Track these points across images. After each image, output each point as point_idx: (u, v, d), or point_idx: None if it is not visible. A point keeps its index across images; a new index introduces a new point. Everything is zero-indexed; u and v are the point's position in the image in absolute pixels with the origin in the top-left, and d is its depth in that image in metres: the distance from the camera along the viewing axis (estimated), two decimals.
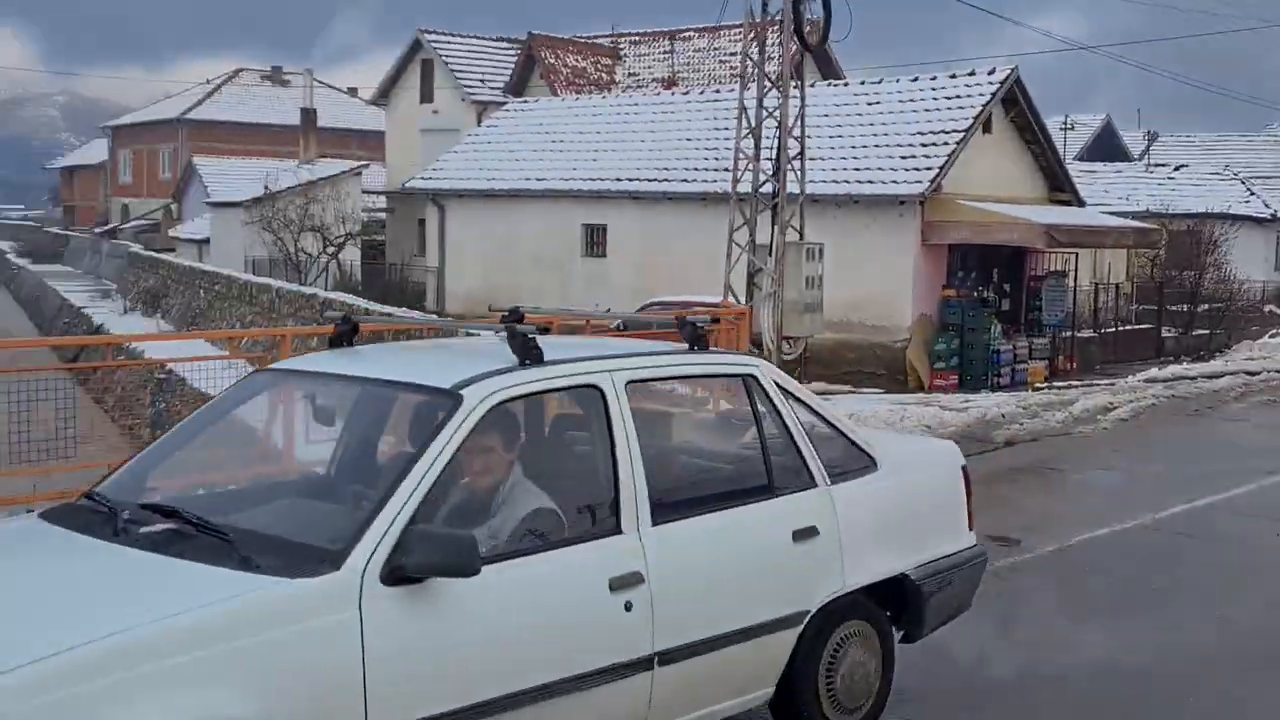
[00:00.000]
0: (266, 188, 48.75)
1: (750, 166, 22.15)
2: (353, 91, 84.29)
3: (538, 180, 34.79)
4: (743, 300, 21.78)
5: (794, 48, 22.19)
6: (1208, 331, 34.04)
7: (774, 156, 21.95)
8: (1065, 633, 9.09)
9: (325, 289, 38.35)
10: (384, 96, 50.73)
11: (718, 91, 35.22)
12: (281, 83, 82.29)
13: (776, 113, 21.84)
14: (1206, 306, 35.11)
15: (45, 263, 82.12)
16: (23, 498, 9.99)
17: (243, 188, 54.60)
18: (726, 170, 29.53)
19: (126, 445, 29.44)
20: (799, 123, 21.83)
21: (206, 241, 55.49)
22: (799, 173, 21.89)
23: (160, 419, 30.44)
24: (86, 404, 31.60)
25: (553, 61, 45.82)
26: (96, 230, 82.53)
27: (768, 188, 22.08)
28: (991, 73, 28.35)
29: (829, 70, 40.26)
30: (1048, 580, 10.72)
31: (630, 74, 46.98)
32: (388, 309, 28.80)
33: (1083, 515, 13.41)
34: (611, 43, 49.51)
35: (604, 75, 46.72)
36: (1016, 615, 9.48)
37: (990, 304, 27.01)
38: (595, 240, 33.40)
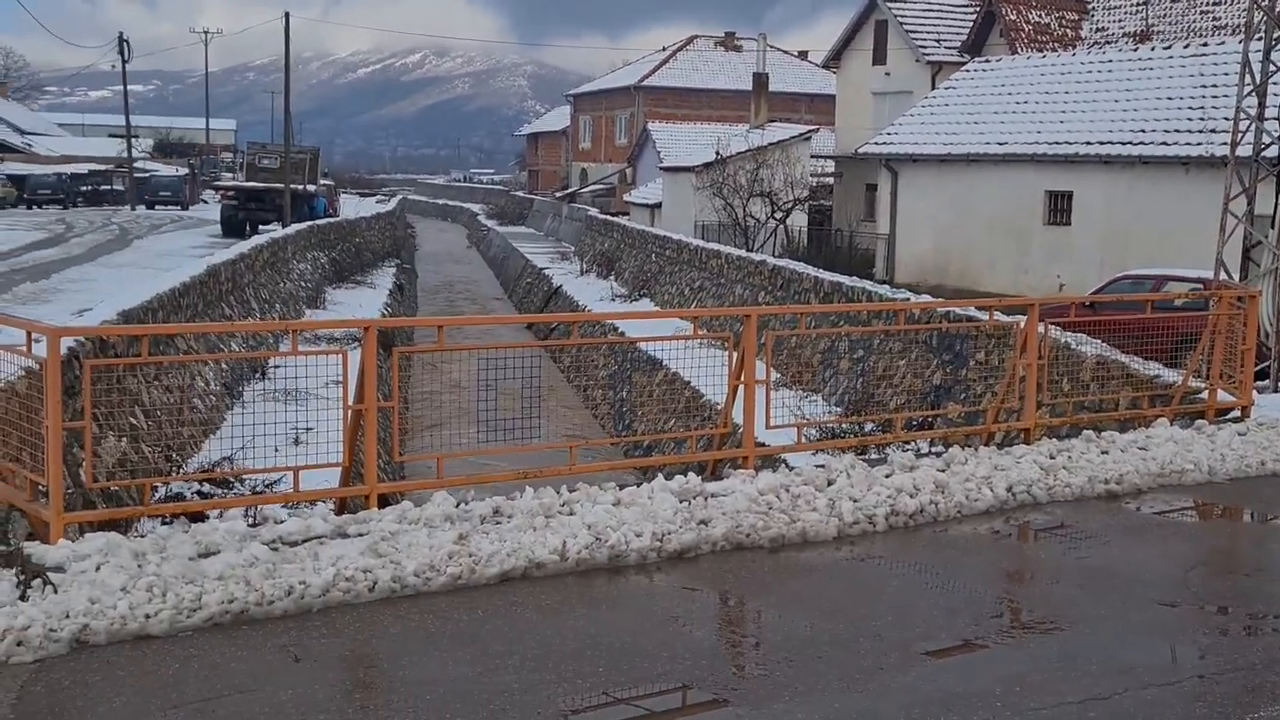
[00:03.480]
0: (718, 153, 48.55)
1: (1252, 127, 19.43)
2: (803, 55, 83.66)
3: (998, 144, 32.80)
4: (1236, 278, 19.18)
5: None
6: None
7: None
8: None
9: (773, 255, 37.54)
10: (835, 59, 49.66)
11: (1204, 44, 32.00)
12: (734, 48, 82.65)
13: None
14: None
15: (511, 225, 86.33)
16: (494, 476, 9.81)
17: (694, 153, 54.81)
18: (1213, 132, 26.76)
19: (580, 403, 30.11)
20: None
21: (658, 206, 56.04)
22: None
23: (613, 381, 30.71)
24: (545, 363, 32.26)
25: (1014, 18, 43.24)
26: (557, 194, 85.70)
27: (1271, 151, 19.35)
28: None
29: None
30: None
31: (1098, 29, 43.74)
32: (837, 277, 27.59)
33: None
34: None
35: (1069, 31, 43.74)
36: None
37: None
38: (1059, 208, 31.11)
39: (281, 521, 8.58)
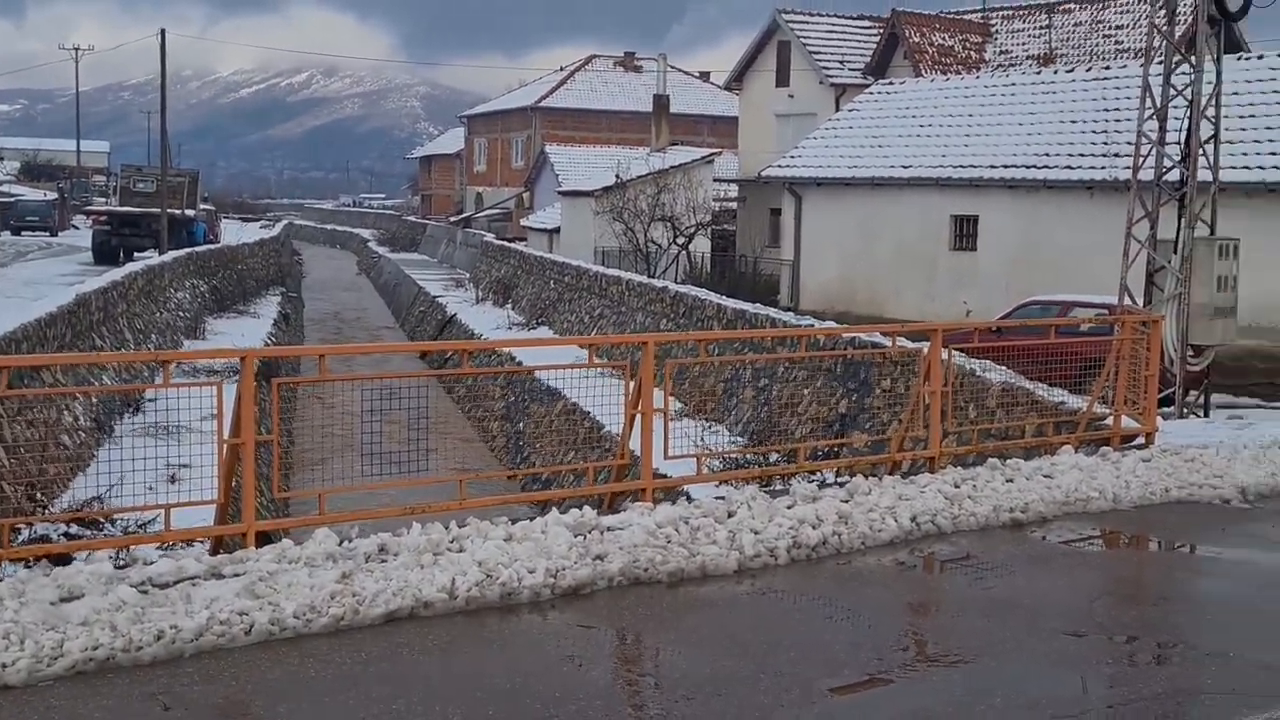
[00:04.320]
0: (618, 176, 48.31)
1: (1153, 151, 19.54)
2: (705, 76, 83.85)
3: (903, 168, 32.87)
4: (1140, 303, 19.27)
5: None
6: None
7: (1182, 140, 19.28)
8: None
9: (675, 281, 37.35)
10: (738, 81, 49.72)
11: (1107, 68, 32.37)
12: (634, 69, 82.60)
13: (1186, 91, 19.16)
14: None
15: (403, 250, 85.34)
16: (380, 512, 9.42)
17: (594, 176, 54.54)
18: (1116, 156, 26.99)
19: (476, 436, 29.66)
20: (1213, 101, 19.11)
21: (557, 231, 55.70)
22: (1210, 158, 19.18)
23: (510, 413, 30.30)
24: (438, 394, 31.65)
25: (917, 40, 43.57)
26: (451, 219, 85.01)
27: (1173, 175, 19.46)
28: None
29: (1230, 43, 36.45)
30: None
31: (1001, 51, 44.24)
32: (741, 305, 27.45)
33: None
34: (982, 18, 46.91)
35: (973, 54, 44.17)
36: None
37: None
38: (964, 232, 31.24)
39: (152, 562, 8.12)
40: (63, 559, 8.29)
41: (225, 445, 8.62)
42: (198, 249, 47.60)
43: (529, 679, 6.95)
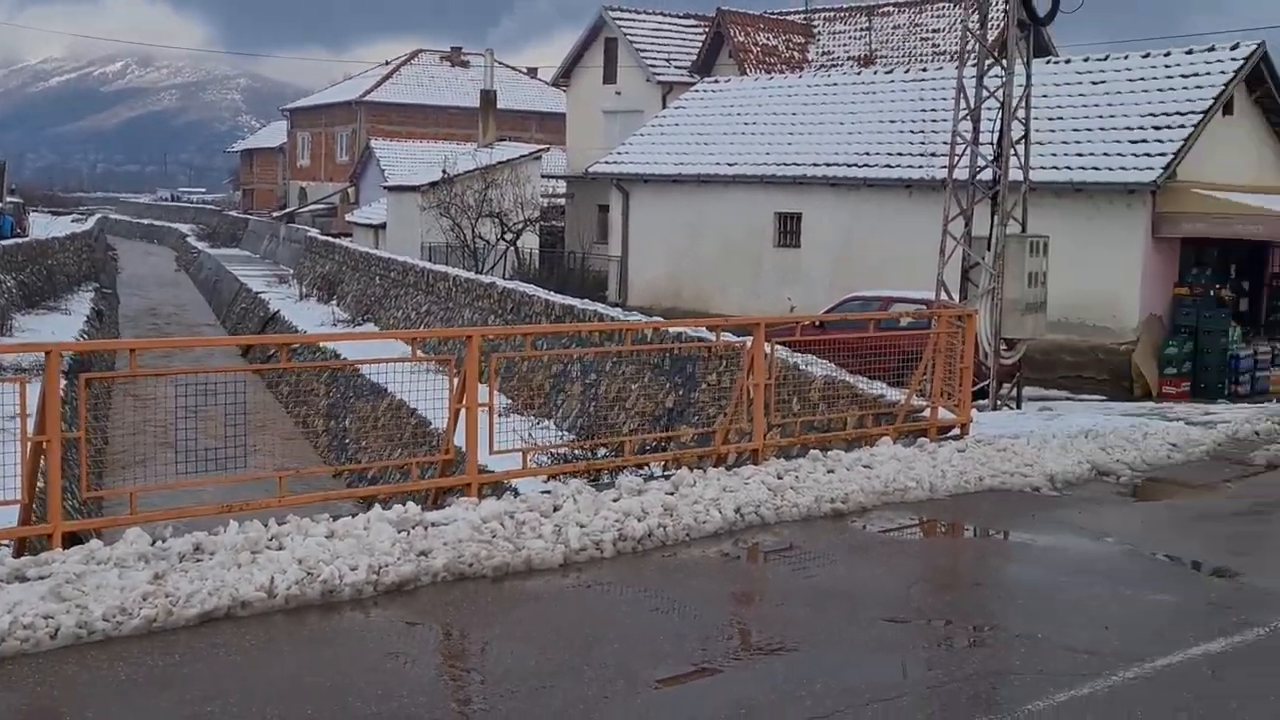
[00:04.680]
0: (444, 171, 47.82)
1: (967, 151, 20.08)
2: (533, 72, 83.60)
3: (728, 165, 33.17)
4: (956, 298, 19.78)
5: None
6: None
7: (995, 140, 19.86)
8: None
9: (503, 277, 37.15)
10: (565, 77, 49.70)
11: (924, 69, 33.14)
12: (461, 64, 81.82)
13: (998, 93, 19.74)
14: None
15: (224, 246, 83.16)
16: (195, 510, 9.12)
17: (420, 171, 53.94)
18: (933, 155, 27.64)
19: (299, 434, 29.06)
20: (1023, 103, 19.72)
21: (383, 226, 54.92)
22: (1021, 158, 19.79)
23: (335, 410, 29.78)
24: (261, 392, 30.99)
25: (742, 39, 44.09)
26: (274, 214, 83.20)
27: (986, 174, 20.02)
28: (1234, 48, 25.78)
29: (1039, 47, 37.69)
30: None
31: (824, 52, 45.04)
32: (569, 300, 27.43)
33: None
34: (804, 19, 47.66)
35: (796, 54, 44.86)
36: None
37: (1228, 304, 24.51)
38: (789, 229, 31.66)
39: None
40: None
41: (29, 444, 8.28)
42: (3, 243, 45.77)
43: (351, 677, 6.82)
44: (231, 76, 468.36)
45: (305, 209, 77.48)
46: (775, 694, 6.80)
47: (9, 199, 59.21)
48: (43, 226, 66.89)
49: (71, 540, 8.34)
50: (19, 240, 50.16)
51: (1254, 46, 25.48)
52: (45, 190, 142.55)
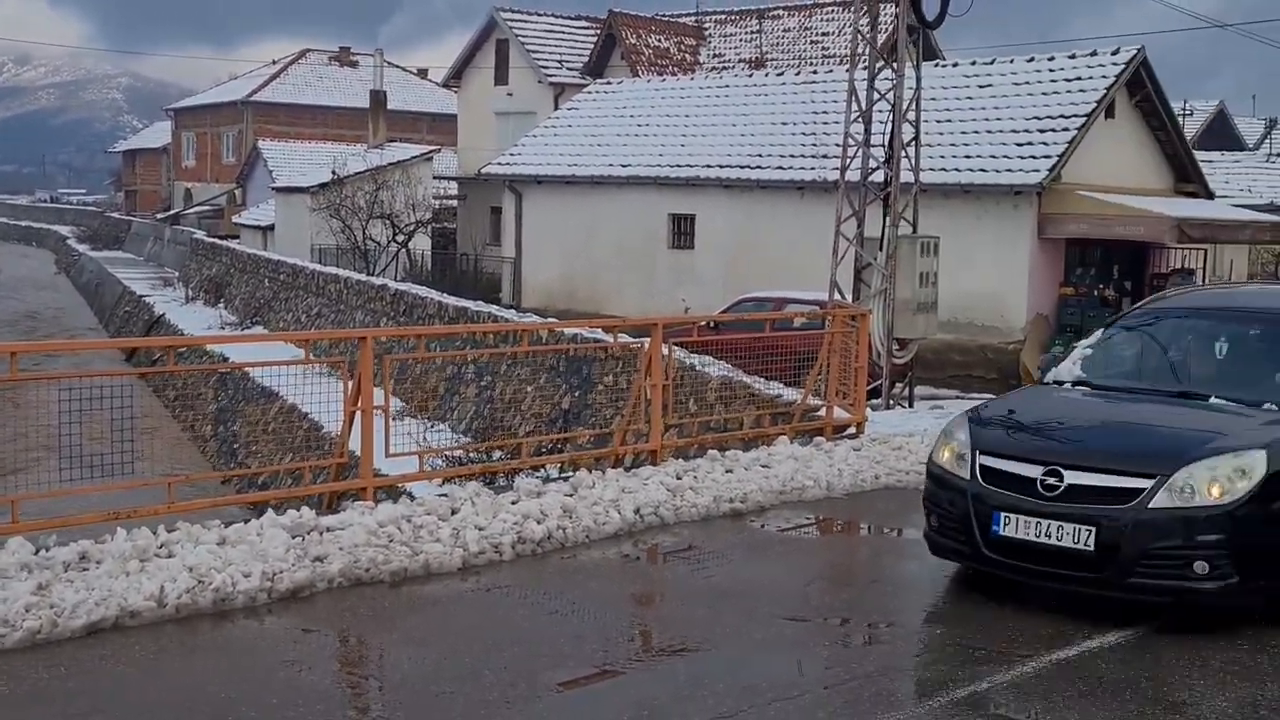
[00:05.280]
0: (334, 173, 47.22)
1: (859, 153, 20.26)
2: (423, 73, 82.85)
3: (621, 166, 33.13)
4: (849, 298, 19.95)
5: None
6: None
7: (886, 142, 20.06)
8: None
9: (395, 279, 36.78)
10: (456, 78, 49.34)
11: (814, 72, 33.39)
12: (350, 64, 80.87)
13: (889, 95, 19.94)
14: None
15: (106, 249, 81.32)
16: (80, 518, 8.77)
17: (309, 172, 53.18)
18: (824, 157, 27.87)
19: (188, 440, 28.53)
20: (913, 105, 19.94)
21: (271, 228, 54.09)
22: (912, 160, 20.01)
23: (224, 415, 29.26)
24: (147, 397, 30.33)
25: (634, 41, 44.11)
26: (158, 216, 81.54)
27: (878, 175, 20.21)
28: (1115, 53, 26.32)
29: (927, 50, 38.21)
30: None
31: (715, 55, 45.19)
32: (463, 302, 27.23)
33: None
34: (695, 22, 47.79)
35: (687, 56, 44.97)
36: None
37: (1111, 303, 25.00)
38: (682, 231, 31.71)
39: None
40: None
41: None
42: None
43: (244, 686, 6.68)
44: (112, 75, 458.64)
45: (191, 210, 76.03)
46: (677, 695, 6.76)
47: None
48: None
49: None
50: None
51: (1134, 51, 26.04)
52: None
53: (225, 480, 20.96)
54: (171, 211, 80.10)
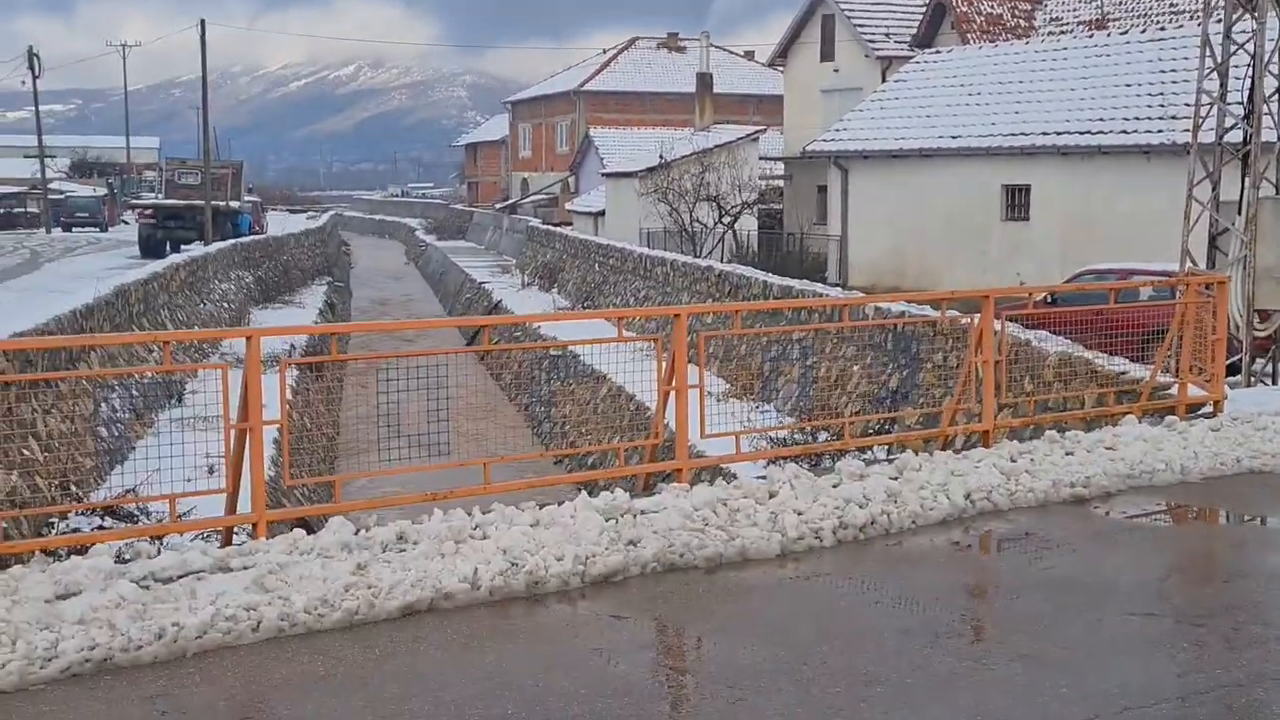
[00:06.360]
0: (661, 157, 47.70)
1: (1214, 110, 18.77)
2: (749, 55, 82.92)
3: (951, 138, 32.13)
4: (1203, 267, 18.52)
5: None
6: None
7: (1245, 97, 18.50)
8: None
9: (721, 261, 36.77)
10: (782, 57, 49.01)
11: (1162, 29, 31.45)
12: (677, 49, 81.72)
13: (1248, 45, 18.37)
14: None
15: (450, 239, 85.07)
16: (399, 499, 8.95)
17: (638, 158, 53.96)
18: (1174, 119, 26.19)
19: (523, 421, 29.21)
20: (1275, 55, 18.30)
21: (602, 214, 55.18)
22: (1276, 115, 18.37)
23: (553, 398, 29.81)
24: (484, 378, 31.27)
25: (965, 9, 42.60)
26: (497, 205, 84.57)
27: (1235, 134, 18.70)
28: None
29: None
30: None
31: (1052, 19, 43.16)
32: (788, 281, 26.83)
33: None
34: None
35: (1021, 21, 43.15)
36: None
37: None
38: (1016, 202, 30.47)
39: (155, 556, 7.67)
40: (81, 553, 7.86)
41: (233, 430, 8.16)
42: (242, 240, 47.43)
43: (553, 675, 6.47)
44: (457, 74, 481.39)
45: (527, 199, 78.54)
46: (1014, 699, 6.19)
47: (247, 198, 61.41)
48: (279, 224, 69.36)
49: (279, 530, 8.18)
50: (257, 237, 51.95)
51: None
52: (285, 190, 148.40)
53: (557, 461, 21.25)
54: (509, 201, 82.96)
